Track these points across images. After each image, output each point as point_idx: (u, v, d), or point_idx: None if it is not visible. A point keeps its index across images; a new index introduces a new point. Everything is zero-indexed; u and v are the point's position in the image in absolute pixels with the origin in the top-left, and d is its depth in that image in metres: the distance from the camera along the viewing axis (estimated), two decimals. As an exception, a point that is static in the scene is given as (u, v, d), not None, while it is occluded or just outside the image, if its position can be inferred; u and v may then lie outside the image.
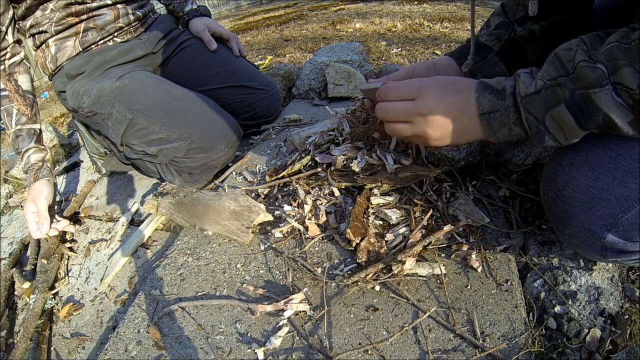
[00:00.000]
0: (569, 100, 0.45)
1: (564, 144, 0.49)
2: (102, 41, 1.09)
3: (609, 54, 0.42)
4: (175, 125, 0.98)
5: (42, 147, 1.00)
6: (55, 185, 0.99)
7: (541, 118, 0.48)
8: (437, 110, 0.54)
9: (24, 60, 1.02)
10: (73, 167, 1.43)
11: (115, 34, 1.11)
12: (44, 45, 1.05)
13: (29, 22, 1.01)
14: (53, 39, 1.04)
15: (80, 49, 1.06)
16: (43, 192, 0.93)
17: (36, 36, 1.05)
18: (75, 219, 1.10)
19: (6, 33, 0.97)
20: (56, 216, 0.98)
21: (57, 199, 1.01)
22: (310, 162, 0.92)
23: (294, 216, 0.82)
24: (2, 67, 0.98)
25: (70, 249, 0.98)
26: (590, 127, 0.46)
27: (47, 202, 0.93)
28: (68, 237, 1.02)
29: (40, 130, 1.02)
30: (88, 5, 1.02)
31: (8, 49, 0.98)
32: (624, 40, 0.41)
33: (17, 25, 1.02)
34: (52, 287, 0.87)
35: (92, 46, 1.08)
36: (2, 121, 1.01)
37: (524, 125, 0.50)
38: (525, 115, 0.49)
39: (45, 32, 1.02)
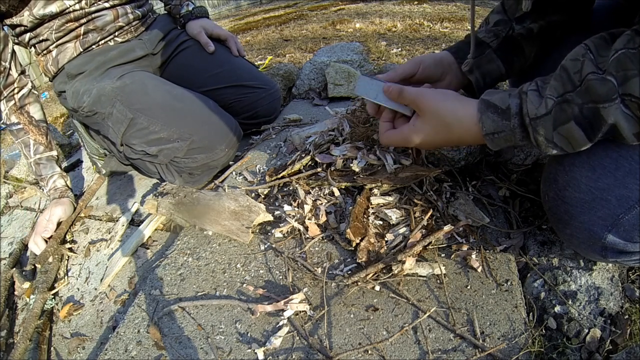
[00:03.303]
0: (578, 116, 0.44)
1: (570, 152, 0.49)
2: (102, 41, 1.09)
3: (617, 63, 0.41)
4: (176, 125, 0.98)
5: (64, 173, 1.10)
6: (75, 208, 1.08)
7: (550, 137, 0.48)
8: (428, 148, 0.63)
9: (33, 90, 1.06)
10: (73, 167, 1.43)
11: (116, 33, 1.11)
12: (45, 51, 1.06)
13: (27, 36, 1.02)
14: (54, 44, 1.04)
15: (81, 50, 1.06)
16: (63, 207, 1.03)
17: (37, 45, 1.05)
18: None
19: (10, 68, 0.99)
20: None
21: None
22: (310, 162, 0.92)
23: (294, 216, 0.82)
24: (13, 102, 1.02)
25: (70, 249, 0.98)
26: (597, 138, 0.46)
27: (63, 217, 1.02)
28: (68, 237, 1.03)
29: (57, 155, 1.09)
30: (86, 10, 1.02)
31: (15, 84, 1.02)
32: (630, 45, 0.40)
33: (16, 40, 1.03)
34: (52, 288, 0.87)
35: (93, 46, 1.08)
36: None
37: (531, 141, 0.50)
38: (534, 135, 0.49)
39: (47, 40, 1.03)
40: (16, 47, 1.03)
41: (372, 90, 0.65)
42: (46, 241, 0.96)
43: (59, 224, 1.01)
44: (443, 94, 0.58)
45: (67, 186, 1.09)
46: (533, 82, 0.50)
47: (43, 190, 1.09)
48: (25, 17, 0.96)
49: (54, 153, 1.08)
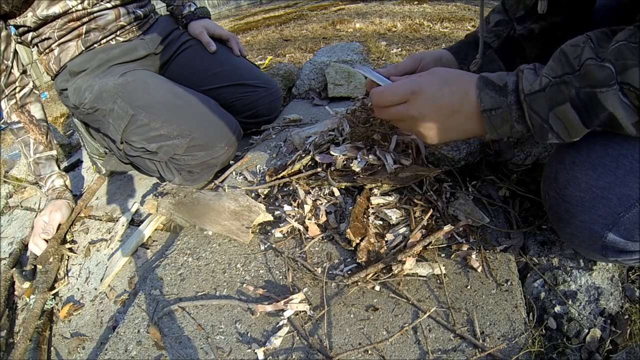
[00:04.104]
0: (575, 98, 0.45)
1: (566, 141, 0.49)
2: (104, 40, 1.09)
3: (617, 52, 0.41)
4: (176, 123, 0.98)
5: (63, 172, 1.10)
6: (72, 209, 1.08)
7: (545, 116, 0.48)
8: (427, 113, 0.54)
9: (34, 90, 1.07)
10: (73, 167, 1.43)
11: (118, 32, 1.11)
12: (47, 50, 1.06)
13: (30, 35, 1.03)
14: (56, 43, 1.05)
15: (83, 48, 1.07)
16: (61, 210, 1.02)
17: (39, 44, 1.06)
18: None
19: (12, 67, 1.00)
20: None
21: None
22: (310, 162, 0.92)
23: (294, 216, 0.82)
24: (14, 100, 1.03)
25: (70, 249, 0.98)
26: (594, 126, 0.46)
27: (61, 220, 1.01)
28: (68, 237, 1.03)
29: (57, 156, 1.09)
30: (88, 10, 1.03)
31: (17, 83, 1.02)
32: (632, 39, 0.40)
33: (19, 39, 1.04)
34: (52, 288, 0.87)
35: (95, 45, 1.08)
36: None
37: (526, 123, 0.50)
38: (528, 113, 0.49)
39: (49, 38, 1.04)
40: (18, 47, 1.04)
41: (373, 76, 0.64)
42: (46, 242, 0.96)
43: (58, 227, 1.01)
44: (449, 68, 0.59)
45: (66, 186, 1.09)
46: (532, 63, 0.50)
47: (42, 189, 1.09)
48: (28, 18, 0.97)
49: (54, 153, 1.08)
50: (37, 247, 0.94)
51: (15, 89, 1.02)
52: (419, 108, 0.54)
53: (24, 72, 1.05)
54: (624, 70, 0.40)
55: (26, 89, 1.05)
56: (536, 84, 0.47)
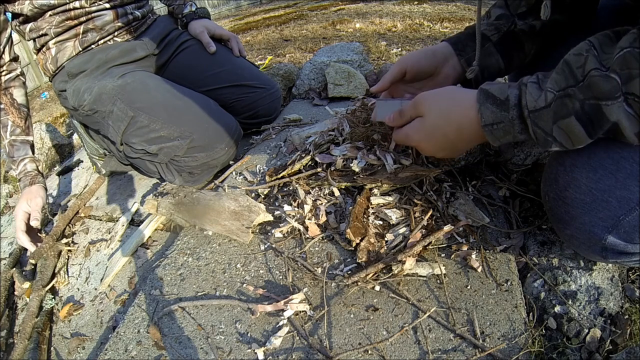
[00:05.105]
0: (579, 111, 0.44)
1: (569, 149, 0.49)
2: (102, 40, 1.09)
3: (622, 61, 0.40)
4: (176, 124, 0.98)
5: (36, 157, 1.07)
6: (46, 191, 1.05)
7: (549, 130, 0.47)
8: (430, 149, 0.63)
9: (20, 76, 1.06)
10: (73, 167, 1.43)
11: (115, 33, 1.11)
12: (44, 48, 1.06)
13: (28, 26, 1.03)
14: (53, 41, 1.05)
15: (80, 49, 1.06)
16: (40, 194, 1.00)
17: (36, 40, 1.06)
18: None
19: (3, 52, 1.00)
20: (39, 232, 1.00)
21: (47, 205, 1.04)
22: (310, 162, 0.92)
23: (294, 216, 0.82)
24: None
25: (67, 244, 0.98)
26: (597, 135, 0.45)
27: (43, 202, 0.98)
28: (67, 232, 1.03)
29: (33, 142, 1.06)
30: (87, 9, 1.03)
31: (4, 67, 1.01)
32: (635, 44, 0.40)
33: (17, 28, 1.03)
34: (49, 285, 0.87)
35: (92, 46, 1.08)
36: None
37: (530, 134, 0.50)
38: (532, 128, 0.49)
39: (45, 35, 1.04)
40: (19, 48, 1.04)
41: (388, 111, 0.69)
42: (39, 230, 0.95)
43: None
44: (441, 88, 0.61)
45: (38, 170, 1.06)
46: (534, 75, 0.50)
47: (14, 172, 1.06)
48: (26, 6, 0.97)
49: (30, 139, 1.06)
50: (21, 240, 0.93)
51: (1, 72, 1.02)
52: (420, 147, 0.64)
53: (15, 59, 1.04)
54: (629, 80, 0.40)
55: (12, 74, 1.04)
56: (541, 100, 0.47)
